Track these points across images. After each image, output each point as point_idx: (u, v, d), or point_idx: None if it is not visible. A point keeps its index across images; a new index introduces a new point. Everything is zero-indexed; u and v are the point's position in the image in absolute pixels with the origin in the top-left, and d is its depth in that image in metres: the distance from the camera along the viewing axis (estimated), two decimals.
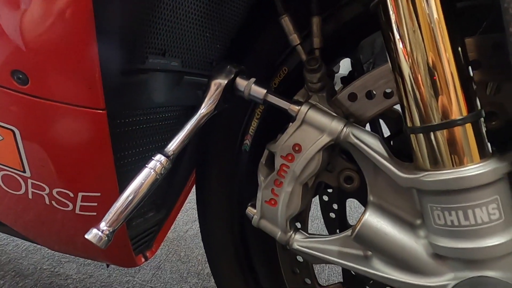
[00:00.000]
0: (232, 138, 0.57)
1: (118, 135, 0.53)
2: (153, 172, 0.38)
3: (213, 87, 0.44)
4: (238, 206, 0.58)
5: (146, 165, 0.39)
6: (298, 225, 0.50)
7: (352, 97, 0.43)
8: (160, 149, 0.41)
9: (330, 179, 0.47)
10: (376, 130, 0.58)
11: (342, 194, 0.63)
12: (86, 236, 0.34)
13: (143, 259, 0.79)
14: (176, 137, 0.41)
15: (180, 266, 1.06)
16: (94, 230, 0.34)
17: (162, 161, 0.39)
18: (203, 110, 0.43)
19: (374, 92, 0.42)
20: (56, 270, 1.01)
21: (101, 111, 0.46)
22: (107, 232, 0.35)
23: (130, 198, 0.37)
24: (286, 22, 0.41)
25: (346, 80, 0.62)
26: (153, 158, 0.39)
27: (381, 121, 0.67)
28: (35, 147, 0.50)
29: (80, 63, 0.42)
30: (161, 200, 0.82)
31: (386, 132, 0.62)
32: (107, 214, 0.36)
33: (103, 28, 0.41)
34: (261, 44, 0.52)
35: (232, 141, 0.57)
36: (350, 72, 0.61)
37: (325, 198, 0.69)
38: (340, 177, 0.46)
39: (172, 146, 0.40)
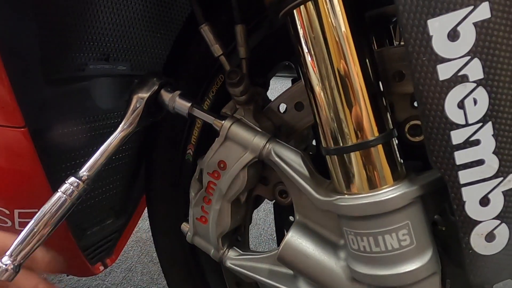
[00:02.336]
0: (175, 147, 0.55)
1: (57, 147, 0.51)
2: (65, 197, 0.36)
3: (134, 101, 0.41)
4: (184, 217, 0.56)
5: (59, 189, 0.37)
6: (240, 238, 0.49)
7: (278, 111, 0.41)
8: (75, 172, 0.39)
9: (266, 192, 0.45)
10: None
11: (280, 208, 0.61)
12: None
13: (101, 267, 0.77)
14: (92, 159, 0.39)
15: (151, 267, 1.05)
16: None
17: (75, 185, 0.37)
18: (123, 127, 0.41)
19: (303, 104, 0.40)
20: None
21: (21, 129, 0.44)
22: (11, 266, 0.33)
23: (36, 228, 0.35)
24: (206, 32, 0.39)
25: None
26: (66, 181, 0.37)
27: None
28: None
29: None
30: (120, 207, 0.79)
31: None
32: (11, 247, 0.34)
33: (8, 46, 0.38)
34: (196, 51, 0.50)
35: (175, 150, 0.55)
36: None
37: None
38: (275, 191, 0.44)
39: (87, 168, 0.38)
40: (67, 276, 0.95)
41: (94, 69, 0.55)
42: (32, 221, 0.35)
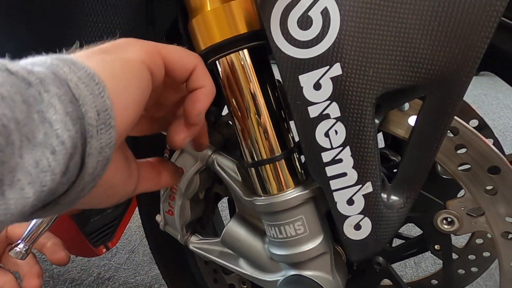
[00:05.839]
0: (154, 150, 0.66)
1: None
2: None
3: None
4: None
5: None
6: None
7: (227, 124, 0.52)
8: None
9: (221, 190, 0.56)
10: None
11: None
12: (9, 253, 0.45)
13: (104, 250, 0.91)
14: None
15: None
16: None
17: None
18: None
19: None
20: (43, 256, 1.15)
21: None
22: (24, 249, 0.45)
23: (41, 220, 0.47)
24: None
25: None
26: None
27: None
28: None
29: None
30: None
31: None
32: (23, 235, 0.46)
33: None
34: None
35: (154, 153, 0.66)
36: None
37: None
38: (228, 189, 0.55)
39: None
40: (76, 257, 1.10)
41: None
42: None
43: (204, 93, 0.32)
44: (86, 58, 0.25)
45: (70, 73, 0.22)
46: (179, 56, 0.30)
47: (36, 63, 0.22)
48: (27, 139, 0.19)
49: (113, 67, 0.25)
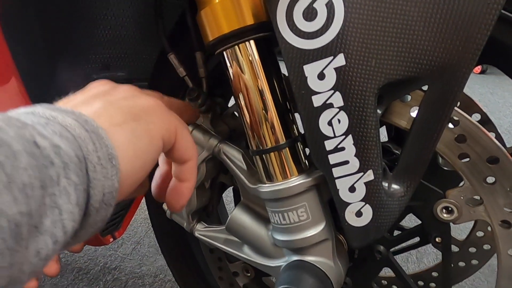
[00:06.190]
0: None
1: None
2: None
3: None
4: None
5: None
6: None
7: (233, 115, 0.53)
8: None
9: (227, 179, 0.58)
10: None
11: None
12: None
13: (111, 239, 0.93)
14: None
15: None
16: None
17: None
18: None
19: None
20: None
21: None
22: None
23: None
24: (172, 59, 0.51)
25: None
26: None
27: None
28: None
29: (10, 99, 0.52)
30: None
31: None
32: None
33: (27, 67, 0.51)
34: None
35: None
36: None
37: None
38: (233, 178, 0.57)
39: None
40: (83, 246, 1.12)
41: (98, 78, 0.68)
42: None
43: (188, 188, 0.35)
44: (118, 127, 0.25)
45: (92, 153, 0.22)
46: (186, 142, 0.33)
47: (64, 132, 0.21)
48: (35, 227, 0.18)
49: (138, 146, 0.26)
